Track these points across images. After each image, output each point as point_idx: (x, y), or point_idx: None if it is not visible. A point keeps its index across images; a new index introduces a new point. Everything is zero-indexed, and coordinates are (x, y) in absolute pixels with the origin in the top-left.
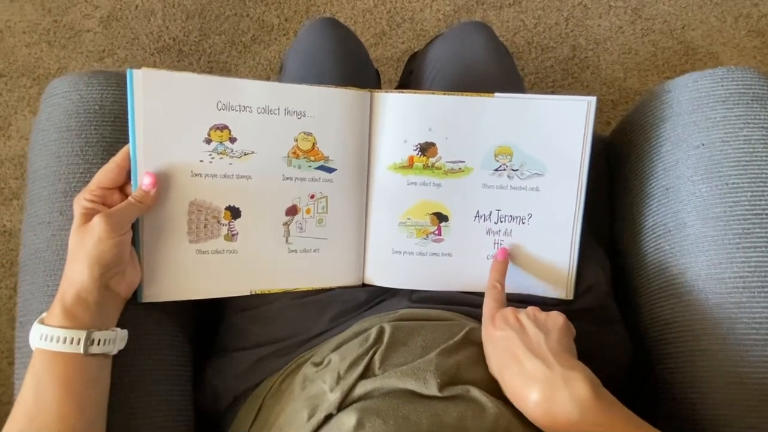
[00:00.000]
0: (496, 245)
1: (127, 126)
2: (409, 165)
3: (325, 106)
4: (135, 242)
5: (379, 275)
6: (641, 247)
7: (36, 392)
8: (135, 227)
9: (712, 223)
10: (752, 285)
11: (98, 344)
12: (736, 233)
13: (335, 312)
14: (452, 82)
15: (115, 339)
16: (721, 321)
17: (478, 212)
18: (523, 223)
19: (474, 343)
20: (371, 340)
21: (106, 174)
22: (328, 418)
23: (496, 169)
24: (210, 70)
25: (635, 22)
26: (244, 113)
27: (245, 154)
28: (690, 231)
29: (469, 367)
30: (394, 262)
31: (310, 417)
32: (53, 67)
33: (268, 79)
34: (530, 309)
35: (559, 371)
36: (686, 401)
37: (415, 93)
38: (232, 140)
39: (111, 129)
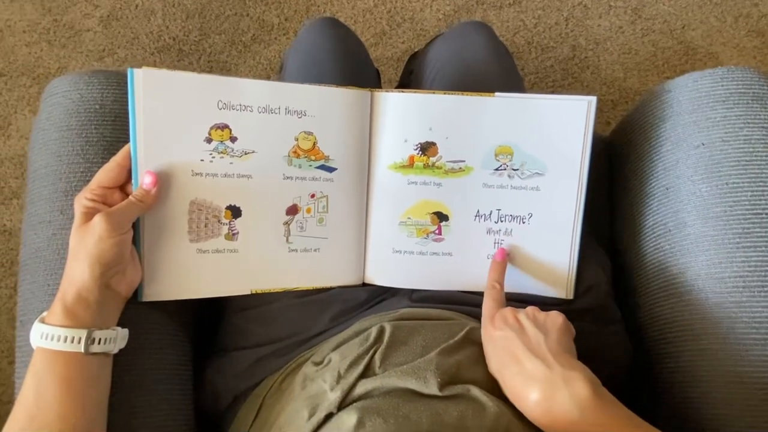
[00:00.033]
0: (496, 245)
1: (127, 125)
2: (410, 164)
3: (326, 105)
4: (136, 241)
5: (379, 275)
6: (641, 246)
7: (37, 391)
8: (136, 226)
9: (712, 222)
10: (752, 284)
11: (99, 343)
12: (736, 233)
13: (335, 311)
14: (452, 82)
15: (116, 338)
16: (721, 320)
17: (478, 212)
18: (524, 222)
19: (474, 343)
20: (371, 339)
21: (106, 173)
22: (329, 417)
23: (497, 169)
24: (210, 70)
25: (635, 22)
26: (244, 112)
27: (246, 154)
28: (690, 230)
29: (469, 367)
30: (394, 262)
31: (311, 416)
32: (53, 66)
33: (268, 78)
34: (529, 309)
35: (558, 371)
36: (686, 401)
37: (415, 92)
38: (233, 139)
39: (111, 128)
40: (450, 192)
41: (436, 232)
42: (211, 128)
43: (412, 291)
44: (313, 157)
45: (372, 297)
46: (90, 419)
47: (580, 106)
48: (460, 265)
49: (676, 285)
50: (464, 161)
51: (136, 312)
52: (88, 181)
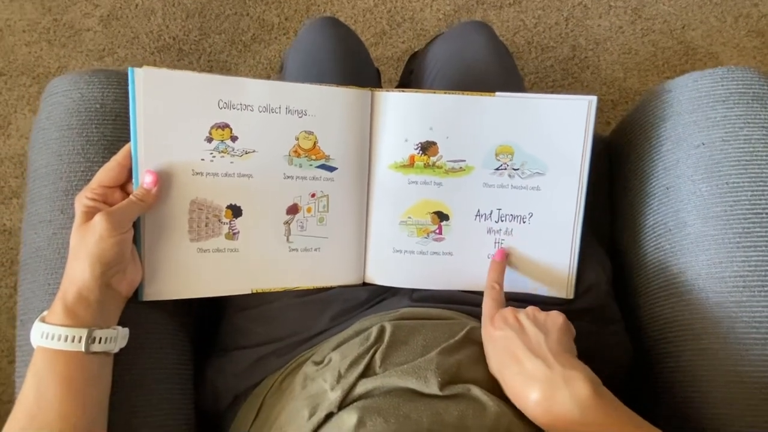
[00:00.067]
0: (496, 244)
1: (128, 124)
2: (410, 164)
3: (326, 105)
4: (136, 241)
5: (379, 274)
6: (641, 246)
7: (37, 390)
8: (136, 226)
9: (713, 222)
10: (752, 284)
11: (99, 342)
12: (736, 232)
13: (336, 311)
14: (453, 82)
15: (117, 337)
16: (722, 320)
17: (478, 211)
18: (524, 222)
19: (475, 342)
20: (372, 338)
21: (107, 172)
22: (329, 416)
23: (497, 168)
24: (210, 70)
25: (635, 22)
26: (245, 112)
27: (246, 153)
28: (690, 230)
29: (469, 366)
30: (394, 261)
31: (311, 416)
32: (53, 65)
33: (268, 78)
34: (530, 309)
35: (559, 371)
36: (686, 400)
37: (416, 92)
38: (233, 139)
39: (112, 127)
40: (450, 191)
41: (437, 231)
42: (212, 127)
43: (413, 290)
44: (313, 157)
45: (372, 296)
46: (91, 418)
47: (581, 106)
48: (461, 264)
49: (677, 284)
50: (465, 161)
51: (137, 311)
52: (89, 180)
